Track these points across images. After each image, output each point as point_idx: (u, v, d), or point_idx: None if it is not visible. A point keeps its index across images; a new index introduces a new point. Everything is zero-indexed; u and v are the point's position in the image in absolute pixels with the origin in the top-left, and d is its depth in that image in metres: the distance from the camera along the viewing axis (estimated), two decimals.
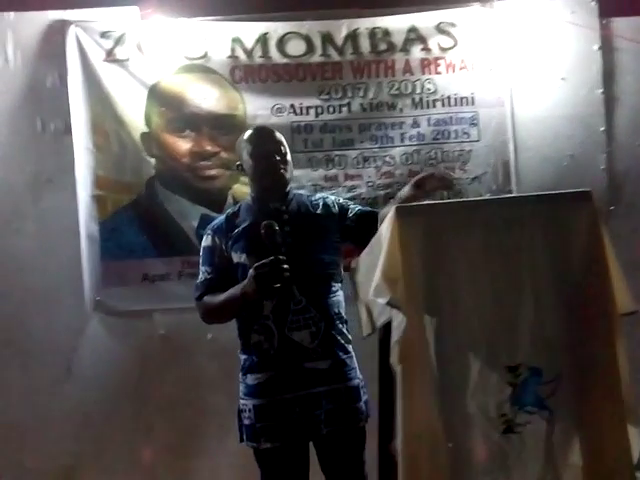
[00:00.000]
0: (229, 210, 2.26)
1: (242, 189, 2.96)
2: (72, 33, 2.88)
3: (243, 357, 2.14)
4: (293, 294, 2.02)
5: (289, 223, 2.11)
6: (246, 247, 2.09)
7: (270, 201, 2.14)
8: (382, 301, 1.77)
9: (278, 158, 2.14)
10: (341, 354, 2.10)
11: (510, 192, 2.97)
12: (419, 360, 1.76)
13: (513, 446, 1.78)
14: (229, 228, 2.15)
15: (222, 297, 2.07)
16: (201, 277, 2.16)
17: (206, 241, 2.18)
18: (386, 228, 1.82)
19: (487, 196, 2.94)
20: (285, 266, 1.94)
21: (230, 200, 2.95)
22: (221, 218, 2.23)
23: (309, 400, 2.05)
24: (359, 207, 2.26)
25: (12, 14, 2.87)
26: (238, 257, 2.10)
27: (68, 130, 2.88)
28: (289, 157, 2.19)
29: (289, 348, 2.06)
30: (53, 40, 2.88)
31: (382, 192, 3.00)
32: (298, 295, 2.04)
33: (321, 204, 2.20)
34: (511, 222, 1.82)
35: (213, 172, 2.95)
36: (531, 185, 2.96)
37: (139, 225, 2.92)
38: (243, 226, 2.13)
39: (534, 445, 1.79)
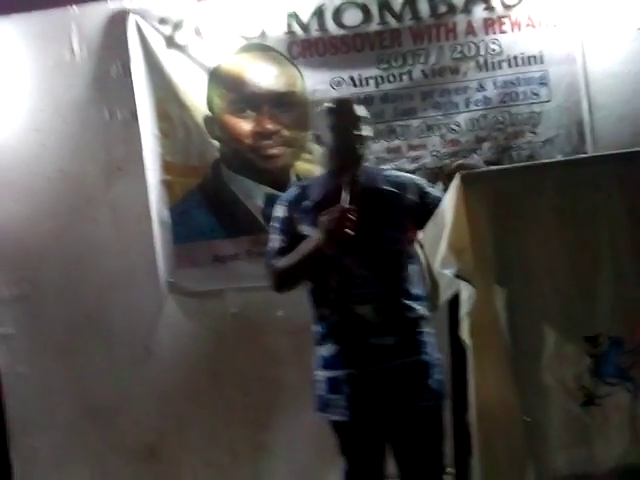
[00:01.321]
0: (302, 182, 2.28)
1: (304, 166, 2.96)
2: (132, 21, 2.94)
3: (315, 329, 2.17)
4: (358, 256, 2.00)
5: (358, 198, 2.08)
6: (315, 221, 2.07)
7: (342, 175, 2.11)
8: (449, 272, 1.73)
9: (356, 133, 2.11)
10: (409, 330, 2.07)
11: (586, 154, 2.82)
12: (491, 332, 1.72)
13: (594, 419, 1.72)
14: (301, 200, 2.16)
15: (294, 254, 2.08)
16: (272, 245, 2.17)
17: (278, 211, 2.20)
18: (451, 197, 1.77)
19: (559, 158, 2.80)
20: (351, 217, 1.96)
21: (293, 178, 2.96)
22: (294, 189, 2.24)
23: (375, 376, 2.05)
24: (439, 195, 2.12)
25: (75, 8, 2.96)
26: (307, 230, 2.10)
27: (135, 118, 2.96)
28: (368, 132, 2.15)
29: (353, 321, 2.06)
30: (115, 30, 2.95)
31: (448, 161, 2.91)
32: (362, 269, 2.03)
33: (396, 182, 2.15)
34: (585, 184, 1.73)
35: (275, 151, 2.96)
36: (608, 146, 2.77)
37: (207, 207, 2.98)
38: (313, 199, 2.13)
39: (617, 418, 1.72)
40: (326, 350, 2.11)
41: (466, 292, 1.72)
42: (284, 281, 2.15)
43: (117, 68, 2.97)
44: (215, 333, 2.98)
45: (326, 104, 2.19)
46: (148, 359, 2.99)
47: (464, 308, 1.73)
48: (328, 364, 2.11)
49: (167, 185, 2.99)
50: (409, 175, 2.26)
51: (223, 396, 2.97)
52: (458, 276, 1.71)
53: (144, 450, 2.98)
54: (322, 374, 2.12)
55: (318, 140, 2.21)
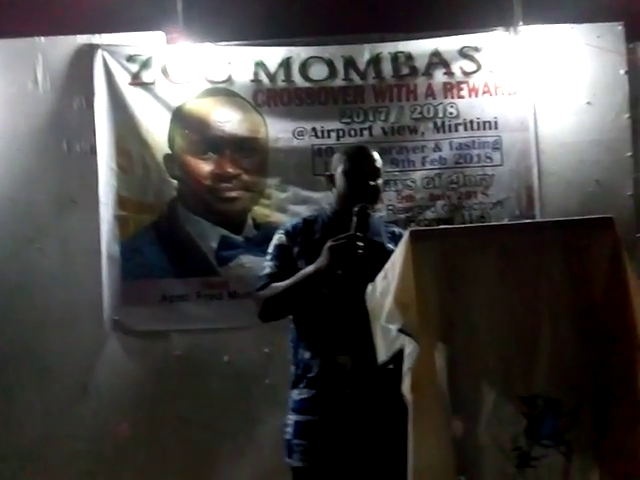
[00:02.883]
0: (307, 216, 2.27)
1: (262, 211, 2.98)
2: (99, 57, 2.95)
3: (291, 370, 2.13)
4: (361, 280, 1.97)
5: (363, 247, 2.04)
6: (313, 257, 2.04)
7: (368, 213, 2.08)
8: (394, 327, 1.73)
9: (372, 184, 2.12)
10: (384, 384, 2.00)
11: (533, 218, 2.92)
12: (430, 389, 1.70)
13: None
14: (303, 233, 2.15)
15: (289, 280, 2.05)
16: (266, 270, 2.13)
17: (278, 239, 2.17)
18: (400, 252, 1.78)
19: (508, 221, 2.89)
20: (360, 243, 1.95)
21: (250, 222, 2.97)
22: (298, 221, 2.21)
23: (344, 426, 2.03)
24: None
25: (42, 39, 2.96)
26: (303, 266, 2.07)
27: (93, 151, 2.94)
28: (381, 183, 2.17)
29: (332, 370, 2.05)
30: (81, 64, 2.95)
31: (403, 216, 2.97)
32: (351, 319, 2.01)
33: (394, 237, 2.15)
34: (529, 248, 1.76)
35: (234, 194, 2.97)
36: (555, 211, 2.90)
37: (160, 245, 2.95)
38: (316, 238, 2.11)
39: None
40: (298, 393, 2.09)
41: (409, 347, 1.72)
42: (271, 308, 2.10)
43: (80, 101, 2.96)
44: (157, 375, 2.90)
45: (348, 148, 2.23)
46: (85, 399, 2.88)
47: (407, 363, 1.71)
48: (298, 408, 2.08)
49: (120, 220, 2.95)
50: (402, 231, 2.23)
51: (160, 441, 2.87)
52: (402, 331, 1.72)
53: None
54: (291, 417, 2.09)
55: (331, 182, 2.19)
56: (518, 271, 1.75)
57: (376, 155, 2.18)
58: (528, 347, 1.73)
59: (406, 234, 1.78)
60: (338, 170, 2.15)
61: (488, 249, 1.76)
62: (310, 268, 2.03)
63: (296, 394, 2.10)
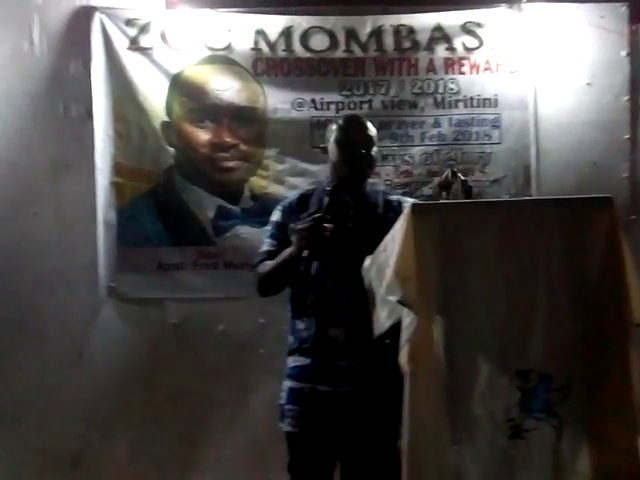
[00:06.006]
0: (303, 191, 2.29)
1: (259, 182, 2.97)
2: (97, 20, 2.89)
3: (288, 339, 2.18)
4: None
5: (353, 219, 2.10)
6: None
7: (342, 193, 2.12)
8: (393, 299, 1.75)
9: (363, 151, 2.13)
10: (376, 357, 2.05)
11: (530, 197, 2.94)
12: (427, 361, 1.74)
13: (519, 452, 1.75)
14: (298, 209, 2.17)
15: (275, 260, 2.13)
16: (263, 247, 2.20)
17: (275, 216, 2.22)
18: (401, 225, 1.80)
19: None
20: (327, 225, 1.98)
21: (247, 193, 2.96)
22: (294, 197, 2.25)
23: (334, 396, 2.07)
24: None
25: None
26: None
27: (90, 116, 2.89)
28: (375, 152, 2.17)
29: (325, 342, 2.08)
30: (78, 26, 2.89)
31: (400, 191, 2.97)
32: (342, 292, 2.06)
33: (393, 206, 2.15)
34: (528, 225, 1.79)
35: (231, 164, 2.95)
36: (552, 191, 2.90)
37: (156, 214, 2.94)
38: (309, 211, 2.13)
39: (541, 452, 1.76)
40: (293, 361, 2.14)
41: (408, 319, 1.75)
42: (264, 286, 2.18)
43: (76, 64, 2.91)
44: (152, 343, 2.91)
45: (340, 118, 2.23)
46: (80, 364, 2.88)
47: (405, 335, 1.75)
48: (292, 375, 2.13)
49: (117, 187, 2.93)
50: (411, 200, 2.23)
51: (154, 408, 2.90)
52: (401, 302, 1.74)
53: (67, 457, 2.86)
54: (285, 383, 2.14)
55: (325, 152, 2.21)
56: (516, 246, 1.78)
57: (369, 124, 2.19)
58: (524, 322, 1.76)
59: (407, 208, 1.80)
60: (330, 141, 2.17)
61: (487, 224, 1.78)
62: (288, 250, 2.10)
63: (291, 361, 2.15)
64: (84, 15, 2.89)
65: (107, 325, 2.92)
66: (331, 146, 2.17)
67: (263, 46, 2.95)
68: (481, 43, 2.97)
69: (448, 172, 2.08)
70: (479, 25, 2.96)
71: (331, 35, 2.96)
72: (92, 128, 2.89)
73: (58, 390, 2.86)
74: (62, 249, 2.89)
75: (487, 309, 1.77)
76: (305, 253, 2.05)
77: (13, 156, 2.90)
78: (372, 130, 2.18)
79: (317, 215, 2.02)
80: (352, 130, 2.15)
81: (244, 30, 2.94)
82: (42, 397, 2.86)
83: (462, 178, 2.06)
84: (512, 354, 1.76)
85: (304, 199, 2.20)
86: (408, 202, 2.15)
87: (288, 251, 2.09)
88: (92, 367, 2.89)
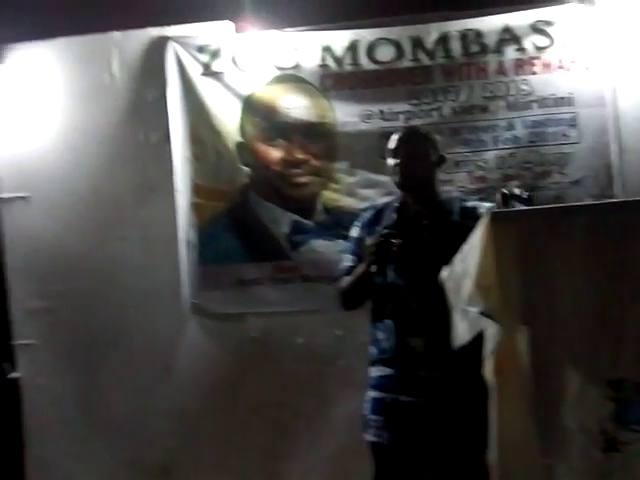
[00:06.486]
0: (378, 204, 2.35)
1: (331, 196, 3.00)
2: (171, 49, 3.03)
3: (370, 350, 2.22)
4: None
5: (427, 228, 2.12)
6: None
7: (413, 204, 2.16)
8: (475, 310, 1.73)
9: (414, 161, 2.16)
10: (457, 368, 2.05)
11: (613, 197, 2.81)
12: (513, 373, 1.70)
13: (616, 465, 1.67)
14: (374, 223, 2.23)
15: (351, 276, 2.21)
16: (344, 263, 2.28)
17: (353, 232, 2.29)
18: (480, 234, 1.76)
19: (588, 201, 2.79)
20: (394, 241, 2.03)
21: (320, 207, 3.00)
22: (370, 211, 2.31)
23: (418, 407, 2.09)
24: None
25: (117, 33, 3.06)
26: None
27: (168, 141, 3.03)
28: (433, 159, 2.20)
29: (405, 352, 2.11)
30: (154, 56, 3.04)
31: (476, 197, 2.92)
32: (420, 302, 2.08)
33: (470, 212, 2.14)
34: (615, 229, 1.71)
35: (303, 179, 3.01)
36: (636, 190, 2.77)
37: (233, 231, 3.03)
38: (389, 223, 2.18)
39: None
40: (375, 371, 2.17)
41: (491, 331, 1.71)
42: (345, 300, 2.27)
43: (154, 93, 3.05)
44: (234, 356, 3.00)
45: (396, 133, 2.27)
46: (167, 378, 3.01)
47: (488, 347, 1.71)
48: (375, 385, 2.17)
49: (196, 207, 3.05)
50: (487, 205, 2.20)
51: (238, 420, 2.98)
52: (484, 314, 1.71)
53: (157, 468, 2.99)
54: (369, 394, 2.18)
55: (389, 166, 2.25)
56: (603, 251, 1.70)
57: (424, 133, 2.22)
58: (614, 330, 1.69)
59: (485, 216, 1.76)
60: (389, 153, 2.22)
61: (571, 230, 1.72)
62: (361, 266, 2.16)
63: (374, 371, 2.18)
64: (159, 45, 3.04)
65: (191, 340, 3.04)
66: (389, 160, 2.23)
67: (330, 62, 2.99)
68: (552, 41, 2.87)
69: (499, 197, 2.02)
70: (549, 23, 2.87)
71: (397, 45, 2.96)
72: (171, 152, 3.03)
73: (147, 403, 3.00)
74: (147, 269, 3.04)
75: (574, 317, 1.70)
76: (374, 269, 2.09)
77: (99, 183, 3.09)
78: (427, 139, 2.20)
79: (384, 232, 2.07)
80: (401, 142, 2.19)
81: (311, 48, 2.99)
82: (133, 410, 3.01)
83: (516, 193, 2.00)
84: (602, 363, 1.69)
85: (379, 213, 2.25)
86: (484, 207, 2.13)
87: (361, 267, 2.15)
88: (178, 380, 3.01)
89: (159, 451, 3.00)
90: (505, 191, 2.04)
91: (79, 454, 3.04)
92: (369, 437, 2.14)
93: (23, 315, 3.08)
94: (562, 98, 2.89)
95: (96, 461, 3.02)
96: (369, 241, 2.12)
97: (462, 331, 1.88)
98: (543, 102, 2.90)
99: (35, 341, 3.08)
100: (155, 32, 3.05)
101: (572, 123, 2.89)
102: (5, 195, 3.10)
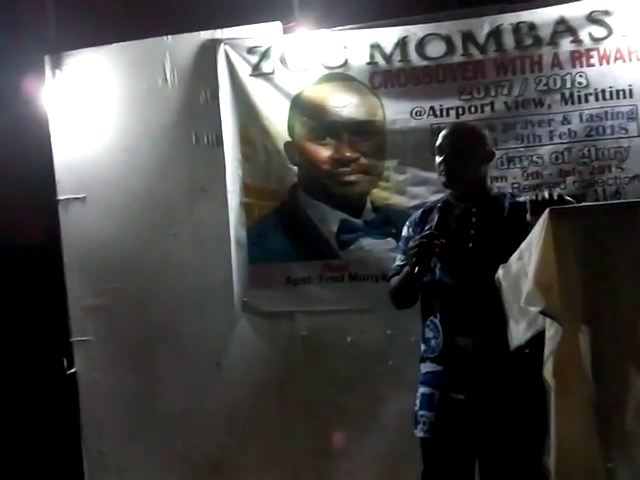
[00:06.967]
0: (429, 203, 2.37)
1: (381, 194, 2.98)
2: (222, 51, 3.07)
3: (421, 346, 2.23)
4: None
5: (476, 226, 2.10)
6: None
7: (460, 200, 2.16)
8: (535, 309, 1.70)
9: (458, 158, 2.15)
10: (507, 367, 2.03)
11: None
12: (574, 374, 1.68)
13: None
14: (422, 223, 2.23)
15: (398, 276, 2.25)
16: (395, 264, 2.31)
17: (404, 231, 2.33)
18: (538, 232, 1.74)
19: None
20: (436, 241, 2.04)
21: (369, 205, 2.99)
22: (419, 211, 2.33)
23: (467, 405, 2.08)
24: None
25: (169, 37, 3.13)
26: None
27: (219, 142, 3.08)
28: (480, 155, 2.19)
29: (453, 351, 2.10)
30: (205, 58, 3.09)
31: (530, 193, 2.85)
32: (469, 301, 2.07)
33: (520, 208, 2.10)
34: None
35: (352, 178, 3.00)
36: None
37: (283, 230, 3.05)
38: (431, 224, 2.18)
39: None
40: (425, 367, 2.18)
41: (552, 330, 1.68)
42: (395, 300, 2.30)
43: (205, 94, 3.10)
44: (284, 354, 3.03)
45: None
46: (218, 375, 3.06)
47: (549, 347, 1.69)
48: (424, 381, 2.18)
49: (246, 207, 3.08)
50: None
51: (288, 418, 3.00)
52: (544, 313, 1.67)
53: (209, 464, 3.03)
54: (419, 390, 2.19)
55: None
56: None
57: (469, 128, 2.22)
58: None
59: (545, 213, 1.72)
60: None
61: (635, 227, 1.67)
62: (406, 267, 2.17)
63: (423, 367, 2.19)
64: (210, 48, 3.08)
65: (242, 337, 3.07)
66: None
67: (379, 59, 2.96)
68: (610, 32, 2.77)
69: (528, 205, 1.98)
70: (607, 13, 2.77)
71: (447, 40, 2.91)
72: (222, 153, 3.07)
73: (199, 400, 3.05)
74: (199, 268, 3.09)
75: (638, 316, 1.65)
76: (417, 270, 2.08)
77: (153, 184, 3.16)
78: (472, 134, 2.18)
79: (424, 233, 2.06)
80: (444, 138, 2.19)
81: (359, 45, 2.97)
82: (184, 406, 3.07)
83: (549, 198, 1.96)
84: None
85: (426, 213, 2.25)
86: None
87: (406, 268, 2.16)
88: (229, 377, 3.05)
89: (210, 447, 3.05)
90: (534, 197, 1.98)
91: (133, 448, 3.12)
92: (418, 433, 2.14)
93: (80, 313, 3.19)
94: (621, 90, 2.78)
95: (149, 455, 3.09)
96: (410, 243, 2.12)
97: (520, 331, 1.84)
98: (600, 95, 2.80)
99: (91, 338, 3.19)
100: (206, 35, 3.10)
101: (631, 116, 2.78)
102: (62, 197, 3.21)
